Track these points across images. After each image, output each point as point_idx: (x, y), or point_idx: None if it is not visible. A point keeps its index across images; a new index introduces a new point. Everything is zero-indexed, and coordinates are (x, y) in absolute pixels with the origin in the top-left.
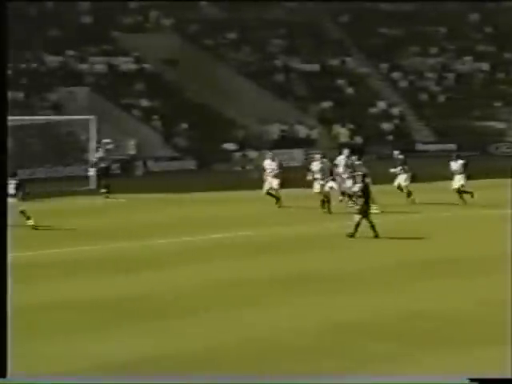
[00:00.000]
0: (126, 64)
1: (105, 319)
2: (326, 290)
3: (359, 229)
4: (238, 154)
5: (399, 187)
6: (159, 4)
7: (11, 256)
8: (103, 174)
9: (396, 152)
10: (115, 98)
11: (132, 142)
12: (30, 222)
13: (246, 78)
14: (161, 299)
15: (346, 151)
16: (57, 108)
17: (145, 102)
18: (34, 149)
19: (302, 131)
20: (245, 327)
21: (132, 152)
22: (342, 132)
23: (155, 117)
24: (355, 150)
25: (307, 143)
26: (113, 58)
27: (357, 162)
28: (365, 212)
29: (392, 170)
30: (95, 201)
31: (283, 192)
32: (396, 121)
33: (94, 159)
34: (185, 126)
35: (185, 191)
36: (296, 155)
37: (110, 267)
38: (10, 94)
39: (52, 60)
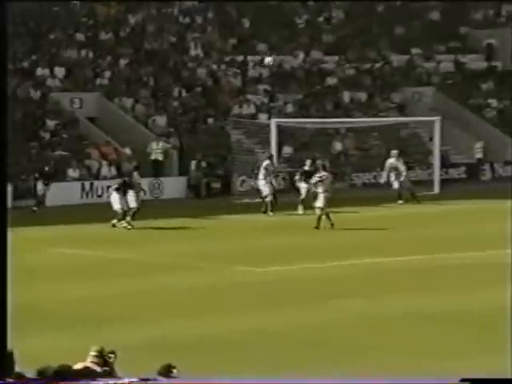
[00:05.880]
0: (474, 62)
1: None
2: None
3: None
4: None
5: None
6: None
7: None
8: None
9: None
10: (462, 98)
11: (478, 145)
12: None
13: None
14: None
15: None
16: (401, 109)
17: (494, 102)
18: (376, 152)
19: None
20: None
21: (479, 155)
22: None
23: (505, 117)
24: None
25: None
26: (461, 55)
27: None
28: None
29: None
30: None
31: None
32: None
33: None
34: None
35: None
36: None
37: None
38: (350, 95)
39: (397, 59)
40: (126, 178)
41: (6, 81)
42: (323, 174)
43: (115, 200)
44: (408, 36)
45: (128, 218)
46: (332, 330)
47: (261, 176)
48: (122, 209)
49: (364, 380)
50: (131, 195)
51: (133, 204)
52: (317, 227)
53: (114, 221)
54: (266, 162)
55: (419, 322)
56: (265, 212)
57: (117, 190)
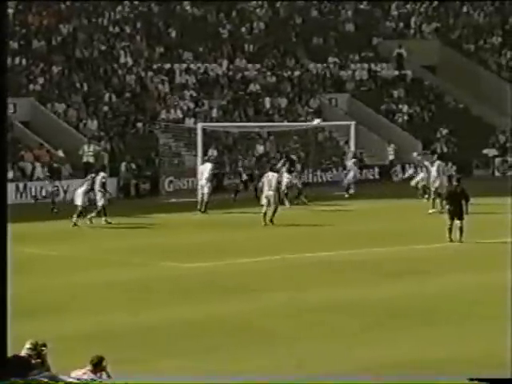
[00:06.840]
0: (386, 70)
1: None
2: None
3: None
4: (498, 160)
5: None
6: (421, 11)
7: None
8: None
9: None
10: (375, 104)
11: (390, 148)
12: None
13: (508, 82)
14: None
15: None
16: (318, 114)
17: (405, 108)
18: (295, 154)
19: None
20: None
21: (391, 158)
22: None
23: (415, 122)
24: None
25: None
26: (373, 64)
27: None
28: None
29: None
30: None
31: None
32: None
33: None
34: (445, 131)
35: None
36: None
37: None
38: (271, 101)
39: (315, 67)
40: (90, 177)
41: (6, 80)
42: (269, 174)
43: (83, 197)
44: (324, 46)
45: (104, 217)
46: (256, 320)
47: (204, 177)
48: (83, 207)
49: (368, 378)
50: (98, 194)
51: (100, 202)
52: (266, 223)
53: (74, 218)
54: (209, 165)
55: (337, 313)
56: (200, 210)
57: (87, 189)
